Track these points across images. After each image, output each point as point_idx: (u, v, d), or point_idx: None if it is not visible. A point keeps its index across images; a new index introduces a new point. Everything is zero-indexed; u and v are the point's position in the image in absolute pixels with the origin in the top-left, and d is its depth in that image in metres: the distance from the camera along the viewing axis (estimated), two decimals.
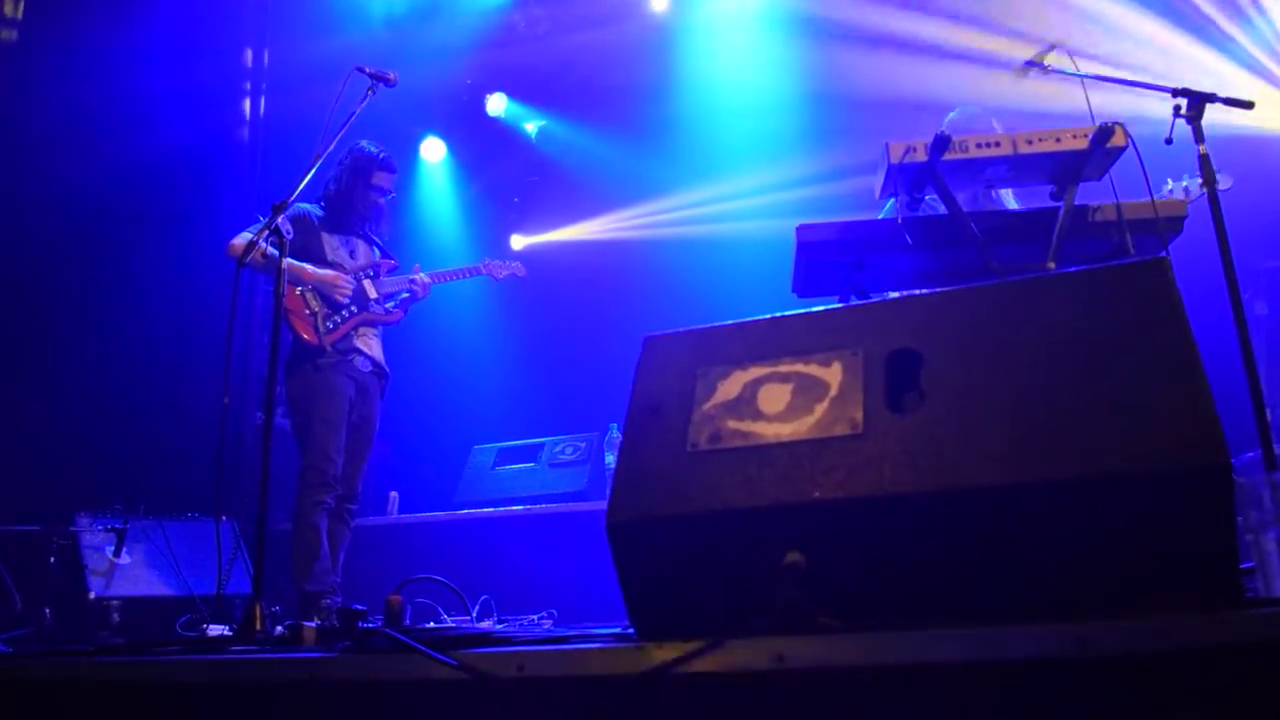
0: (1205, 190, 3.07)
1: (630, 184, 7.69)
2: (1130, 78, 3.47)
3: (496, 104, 8.07)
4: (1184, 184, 4.67)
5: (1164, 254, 3.16)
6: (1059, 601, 1.66)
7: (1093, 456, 1.62)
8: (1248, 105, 3.05)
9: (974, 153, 3.09)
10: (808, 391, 1.86)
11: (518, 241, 7.77)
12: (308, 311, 4.46)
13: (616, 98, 7.77)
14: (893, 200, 3.36)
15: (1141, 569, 1.65)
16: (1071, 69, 3.54)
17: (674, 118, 7.70)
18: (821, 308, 2.01)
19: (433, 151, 8.07)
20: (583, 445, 6.02)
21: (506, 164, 8.17)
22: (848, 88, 7.42)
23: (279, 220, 3.42)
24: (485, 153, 8.17)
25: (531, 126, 8.32)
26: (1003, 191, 4.36)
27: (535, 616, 3.93)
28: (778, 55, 7.35)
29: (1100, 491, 1.60)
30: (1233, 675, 1.46)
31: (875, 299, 3.04)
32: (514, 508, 5.68)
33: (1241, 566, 1.85)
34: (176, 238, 6.22)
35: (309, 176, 3.60)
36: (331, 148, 3.68)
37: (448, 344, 7.33)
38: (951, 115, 4.50)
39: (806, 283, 3.39)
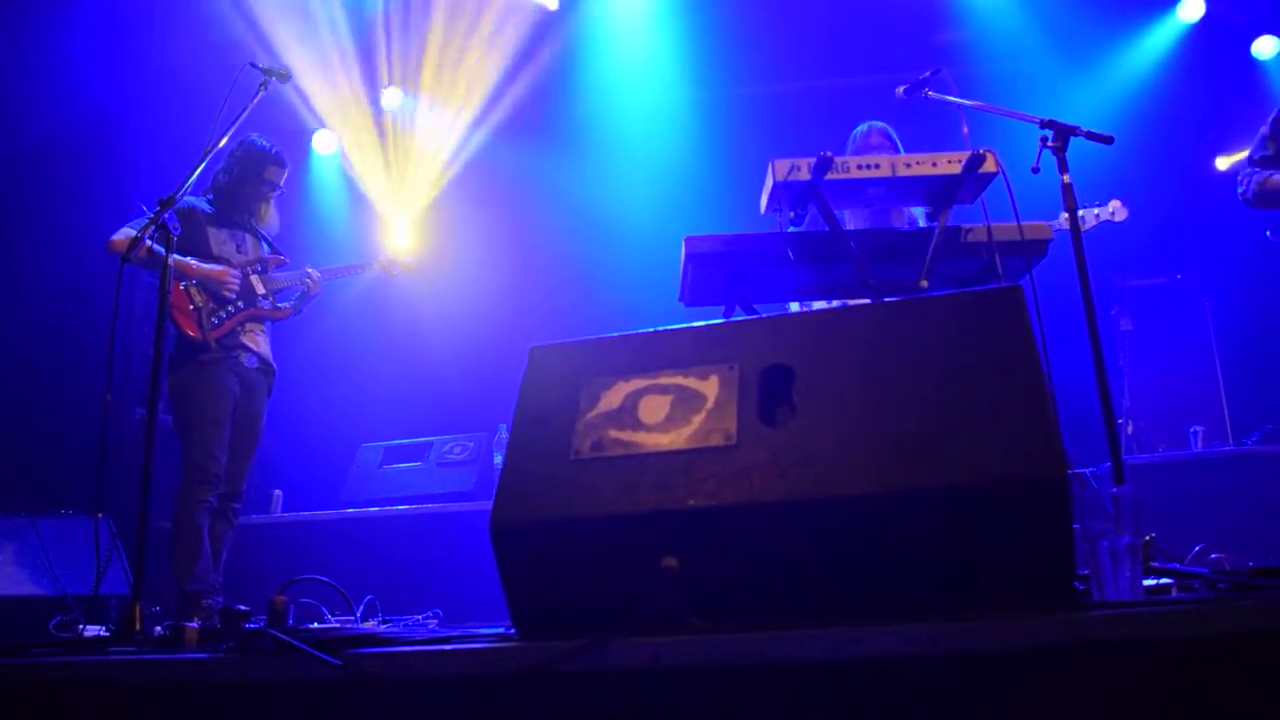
0: (1068, 217, 3.23)
1: (527, 185, 7.71)
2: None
3: (391, 98, 8.01)
4: (1094, 210, 4.93)
5: (1027, 277, 3.35)
6: (916, 603, 1.78)
7: (946, 469, 1.75)
8: (1107, 140, 3.24)
9: (855, 173, 3.23)
10: (686, 403, 1.95)
11: (410, 236, 7.71)
12: (191, 306, 4.39)
13: (513, 96, 7.79)
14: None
15: (990, 573, 1.79)
16: (950, 96, 3.71)
17: (571, 117, 7.76)
18: (701, 324, 2.10)
19: (325, 144, 7.97)
20: (471, 445, 6.03)
21: (400, 159, 8.10)
22: (744, 91, 7.62)
23: (165, 216, 3.37)
24: (379, 146, 8.09)
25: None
26: (915, 210, 4.54)
27: (421, 617, 3.95)
28: (675, 57, 7.49)
29: (952, 502, 1.73)
30: (1068, 671, 1.60)
31: (766, 312, 3.15)
32: (401, 507, 5.66)
33: (1080, 572, 2.01)
34: (53, 227, 6.03)
35: (198, 171, 3.56)
36: (222, 142, 3.64)
37: (336, 341, 7.25)
38: (860, 129, 4.67)
39: (694, 293, 3.49)
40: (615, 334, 2.16)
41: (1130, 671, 1.57)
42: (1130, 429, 6.46)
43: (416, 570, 5.17)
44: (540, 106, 7.81)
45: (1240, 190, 4.25)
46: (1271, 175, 4.09)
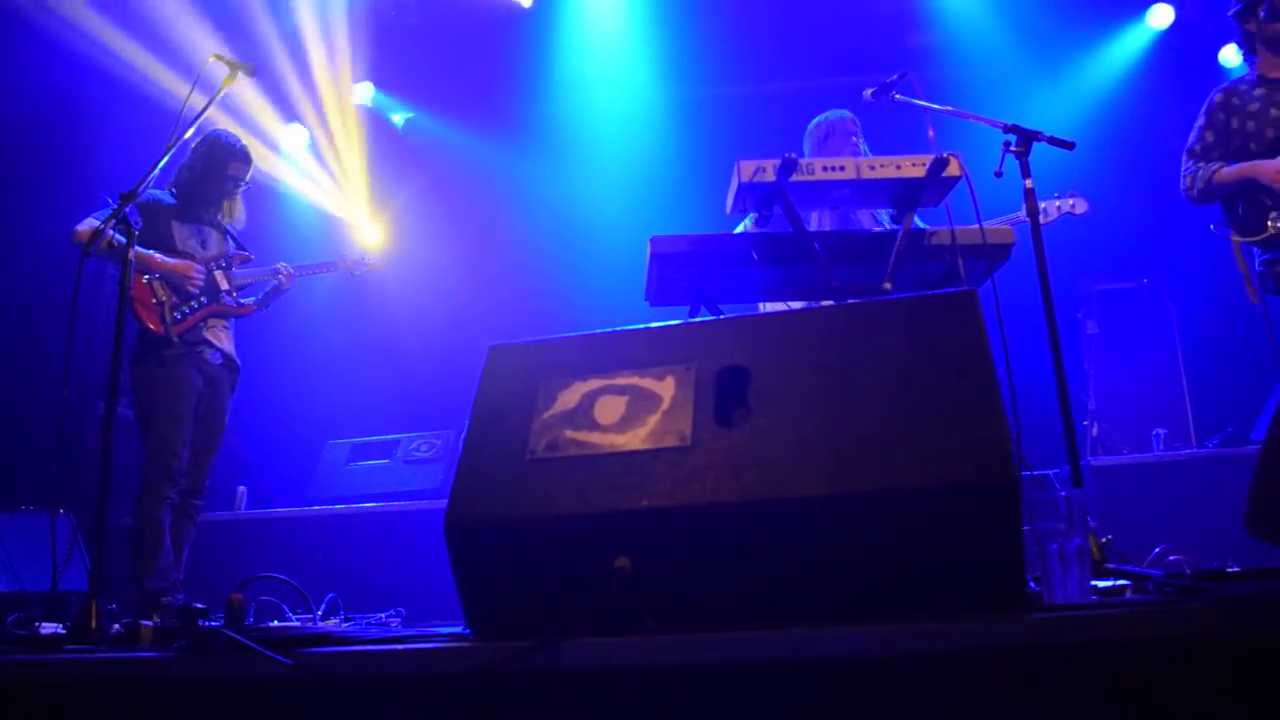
0: (1029, 220, 3.26)
1: (495, 182, 7.70)
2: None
3: (362, 93, 7.97)
4: (1055, 202, 4.98)
5: (989, 280, 3.37)
6: (870, 604, 1.79)
7: (898, 472, 1.76)
8: (1069, 145, 3.27)
9: (820, 175, 3.24)
10: (642, 404, 1.95)
11: (377, 233, 7.68)
12: (154, 301, 4.35)
13: (485, 93, 7.77)
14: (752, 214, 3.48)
15: (942, 575, 1.80)
16: (916, 99, 3.73)
17: (542, 116, 7.75)
18: (659, 324, 2.10)
19: (295, 139, 7.92)
20: (438, 442, 6.01)
21: (371, 155, 8.06)
22: (715, 91, 7.63)
23: (126, 209, 3.34)
24: (350, 142, 8.04)
25: (398, 118, 8.25)
26: (879, 212, 4.56)
27: (384, 615, 3.93)
28: (646, 57, 7.49)
29: (903, 505, 1.75)
30: (1017, 672, 1.62)
31: (732, 313, 3.16)
32: (367, 504, 5.64)
33: (1032, 575, 2.03)
34: (17, 218, 5.96)
35: (160, 164, 3.52)
36: (186, 135, 3.61)
37: (303, 338, 7.20)
38: (817, 120, 4.67)
39: (659, 292, 3.49)
40: (573, 334, 2.15)
41: (1077, 672, 1.59)
42: (1095, 431, 6.53)
43: (382, 568, 5.16)
44: (511, 104, 7.79)
45: (1185, 187, 4.26)
46: (1218, 168, 4.11)
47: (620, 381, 2.01)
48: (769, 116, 7.02)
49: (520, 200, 7.59)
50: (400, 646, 1.87)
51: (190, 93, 3.68)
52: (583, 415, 1.98)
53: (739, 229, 4.29)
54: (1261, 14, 4.03)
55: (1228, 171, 4.08)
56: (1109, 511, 5.18)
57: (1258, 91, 4.14)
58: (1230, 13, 4.27)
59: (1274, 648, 1.54)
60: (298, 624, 3.40)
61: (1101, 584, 2.30)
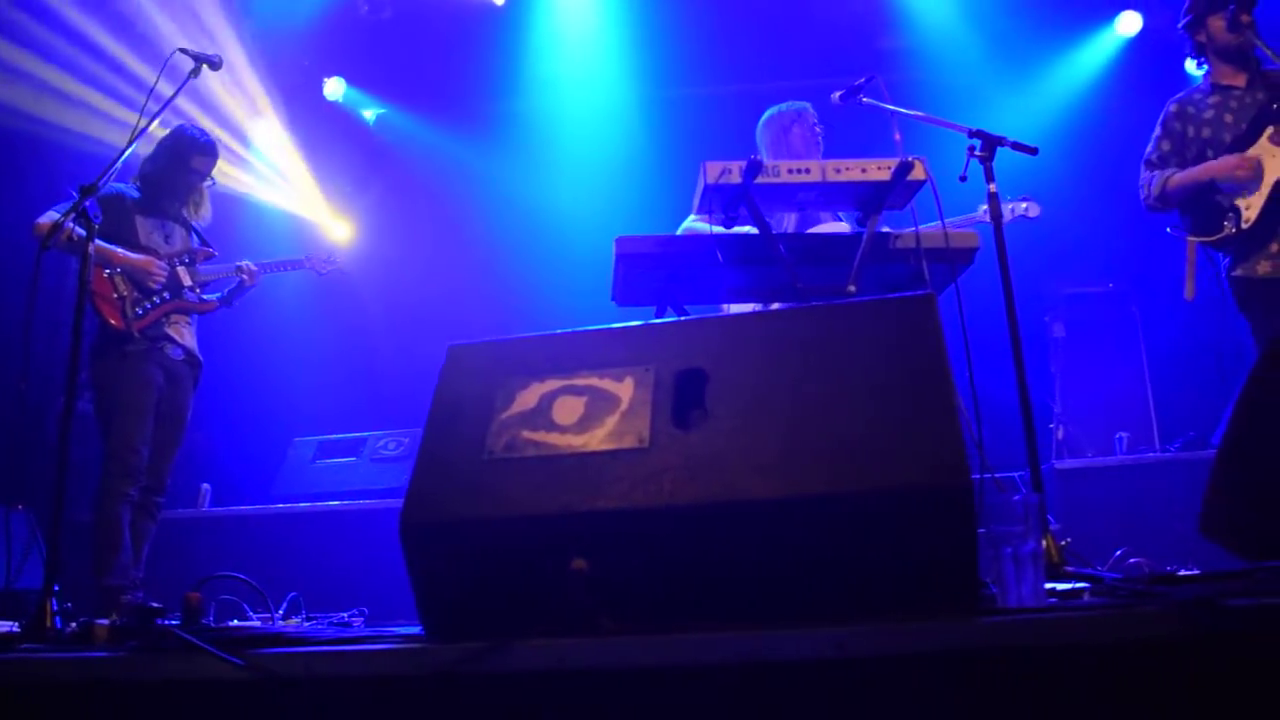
0: (993, 224, 3.28)
1: (466, 181, 7.67)
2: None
3: (334, 88, 7.91)
4: (1008, 205, 5.03)
5: (953, 284, 3.39)
6: (826, 607, 1.79)
7: (853, 475, 1.76)
8: (1032, 151, 3.29)
9: (785, 178, 3.24)
10: (600, 405, 1.95)
11: (344, 230, 7.64)
12: (115, 295, 4.30)
13: (458, 91, 7.74)
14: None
15: (897, 579, 1.80)
16: (883, 102, 3.74)
17: (514, 115, 7.73)
18: (619, 325, 2.10)
19: (265, 134, 7.85)
20: (406, 441, 5.98)
21: (342, 151, 8.01)
22: (686, 92, 7.64)
23: (86, 202, 3.30)
24: (321, 138, 7.99)
25: (370, 114, 8.20)
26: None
27: (346, 615, 3.90)
28: (618, 57, 7.49)
29: (858, 508, 1.75)
30: (969, 675, 1.62)
31: (699, 314, 3.16)
32: (333, 503, 5.60)
33: (985, 579, 2.04)
34: None
35: (123, 157, 3.48)
36: (144, 126, 3.56)
37: (271, 334, 7.14)
38: (775, 110, 4.66)
39: (625, 293, 3.49)
40: (533, 334, 2.15)
41: (1029, 675, 1.60)
42: (1060, 434, 6.58)
43: (348, 567, 5.12)
44: (482, 102, 7.77)
45: (1143, 196, 4.34)
46: (1173, 173, 4.18)
47: (579, 382, 2.00)
48: (739, 117, 7.01)
49: (490, 199, 7.56)
50: (354, 648, 1.85)
51: (154, 86, 3.65)
52: (541, 415, 1.98)
53: (680, 229, 4.29)
54: (1224, 22, 4.08)
55: (1182, 175, 4.14)
56: (1073, 514, 5.22)
57: (1212, 99, 4.21)
58: (1179, 25, 4.35)
59: (1224, 650, 1.55)
60: (258, 624, 3.37)
61: (1061, 586, 2.32)
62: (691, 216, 4.20)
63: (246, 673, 1.83)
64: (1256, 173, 3.94)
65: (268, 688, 1.89)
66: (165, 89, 3.70)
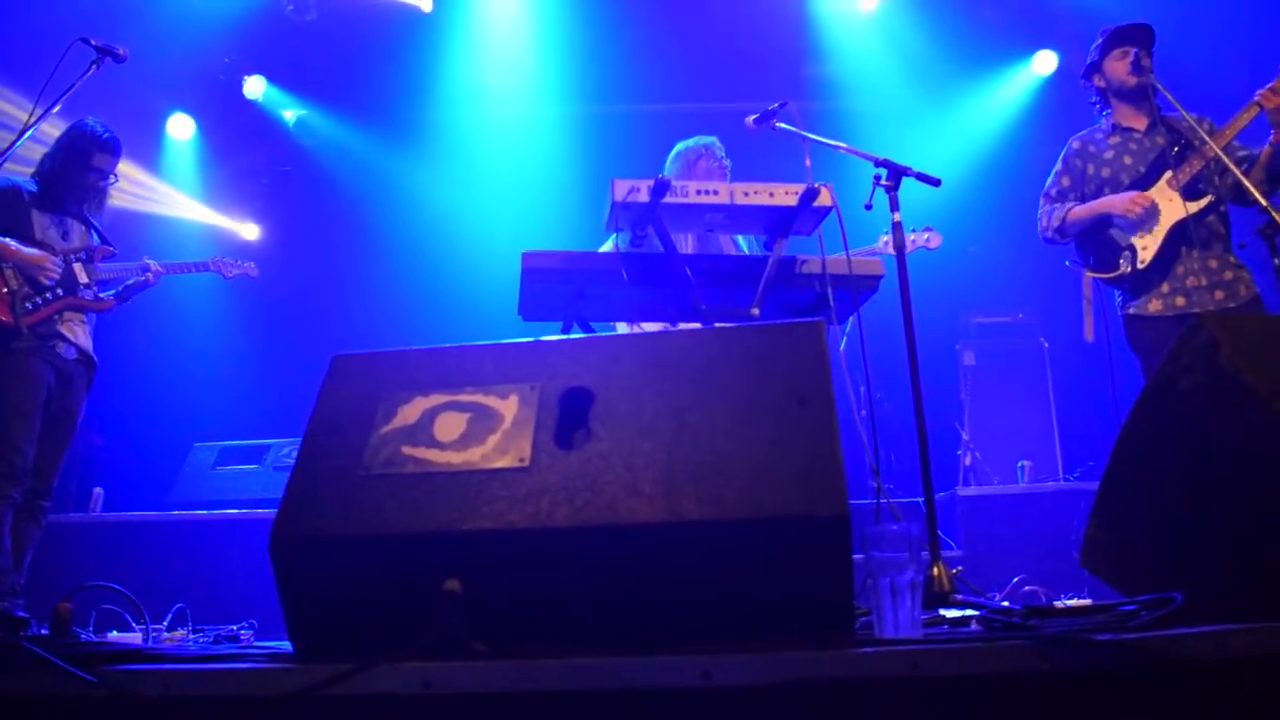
0: (895, 254, 3.32)
1: (382, 187, 7.59)
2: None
3: (254, 86, 7.77)
4: (911, 235, 5.10)
5: (854, 311, 3.42)
6: (701, 632, 1.78)
7: (732, 501, 1.75)
8: (935, 182, 3.35)
9: (694, 198, 3.25)
10: (482, 422, 1.91)
11: (252, 232, 7.47)
12: (5, 290, 4.15)
13: (379, 96, 7.66)
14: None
15: (773, 606, 1.79)
16: (796, 129, 3.77)
17: (434, 123, 7.67)
18: (508, 341, 2.07)
19: (181, 129, 7.68)
20: None
21: (259, 150, 7.87)
22: (607, 109, 7.65)
23: None
24: (238, 136, 7.83)
25: (290, 115, 8.07)
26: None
27: (236, 627, 3.79)
28: (542, 70, 7.47)
29: (734, 534, 1.73)
30: (838, 707, 1.62)
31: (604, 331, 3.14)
32: (232, 510, 5.46)
33: (862, 608, 2.05)
34: None
35: (11, 150, 3.37)
36: (38, 121, 3.44)
37: (174, 336, 6.98)
38: (687, 144, 4.66)
39: (531, 308, 3.46)
40: (420, 347, 2.10)
41: (897, 708, 1.60)
42: (968, 460, 6.70)
43: (241, 577, 4.99)
44: (402, 109, 7.71)
45: (1041, 228, 4.46)
46: (1072, 207, 4.30)
47: (463, 398, 1.96)
48: (660, 136, 7.06)
49: (405, 207, 7.50)
50: (213, 666, 1.79)
51: (50, 76, 3.53)
52: (422, 431, 1.93)
53: (604, 247, 4.28)
54: (1127, 62, 4.19)
55: (1081, 209, 4.26)
56: (975, 540, 5.31)
57: (1113, 140, 4.33)
58: (1081, 78, 4.49)
59: (1077, 687, 1.57)
60: (138, 637, 3.26)
61: (952, 614, 2.34)
62: (614, 235, 4.18)
63: (100, 690, 1.76)
64: (1152, 213, 4.05)
65: (122, 706, 1.81)
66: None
